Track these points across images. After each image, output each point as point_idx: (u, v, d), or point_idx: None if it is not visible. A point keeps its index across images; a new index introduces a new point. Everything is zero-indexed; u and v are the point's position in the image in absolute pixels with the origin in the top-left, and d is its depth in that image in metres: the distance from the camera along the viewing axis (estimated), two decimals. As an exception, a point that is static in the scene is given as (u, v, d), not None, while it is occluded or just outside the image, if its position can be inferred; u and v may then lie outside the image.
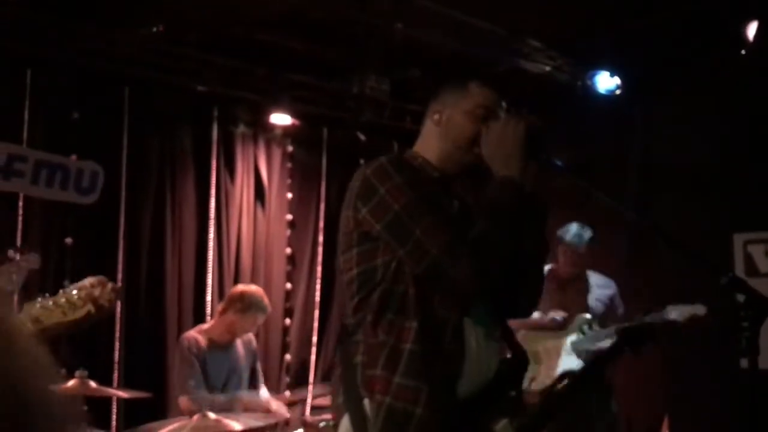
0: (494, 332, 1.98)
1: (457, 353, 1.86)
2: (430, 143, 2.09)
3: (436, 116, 2.09)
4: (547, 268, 4.65)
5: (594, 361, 2.06)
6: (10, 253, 3.44)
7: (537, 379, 4.43)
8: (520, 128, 1.93)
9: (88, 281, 2.09)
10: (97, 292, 2.05)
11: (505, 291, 1.92)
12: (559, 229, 4.41)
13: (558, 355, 4.40)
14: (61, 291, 2.08)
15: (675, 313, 4.00)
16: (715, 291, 1.98)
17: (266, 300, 4.25)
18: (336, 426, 1.95)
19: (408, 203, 1.87)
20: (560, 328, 4.37)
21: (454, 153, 2.06)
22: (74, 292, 2.05)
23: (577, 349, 4.32)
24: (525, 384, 3.70)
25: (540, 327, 4.46)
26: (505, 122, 1.97)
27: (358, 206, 1.92)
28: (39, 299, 2.06)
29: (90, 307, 2.04)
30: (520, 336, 4.74)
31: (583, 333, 4.34)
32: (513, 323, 4.87)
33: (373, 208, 1.89)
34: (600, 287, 4.48)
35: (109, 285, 2.09)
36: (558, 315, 4.36)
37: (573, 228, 4.39)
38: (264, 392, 4.33)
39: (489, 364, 1.92)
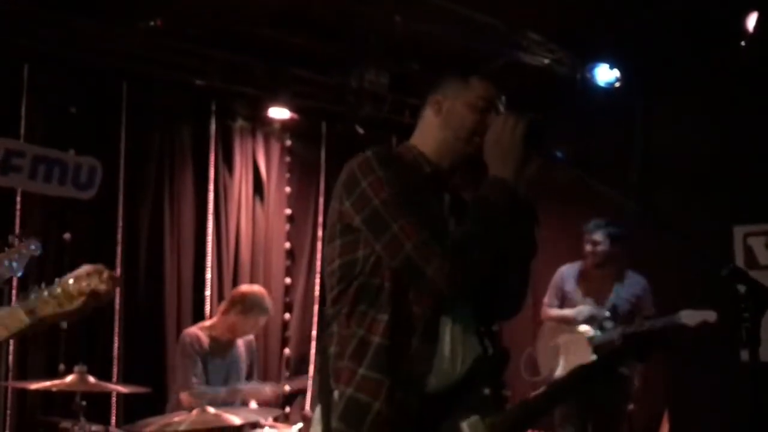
0: (474, 329, 1.94)
1: (427, 350, 1.85)
2: (429, 134, 2.08)
3: (437, 106, 2.07)
4: (575, 267, 4.69)
5: (598, 365, 2.01)
6: (11, 239, 3.40)
7: (557, 372, 4.48)
8: (519, 127, 1.91)
9: (84, 270, 2.07)
10: (94, 281, 2.03)
11: (488, 292, 1.92)
12: (584, 224, 4.56)
13: (576, 348, 4.43)
14: (57, 280, 2.07)
15: (687, 318, 4.08)
16: (717, 282, 1.97)
17: (268, 301, 4.25)
18: None
19: (388, 198, 1.86)
20: (587, 323, 4.45)
21: (453, 144, 2.05)
22: (70, 281, 2.03)
23: (594, 345, 4.36)
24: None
25: (565, 321, 4.53)
26: (504, 120, 1.95)
27: (342, 198, 1.93)
28: (34, 290, 2.05)
29: (86, 296, 2.02)
30: (546, 328, 4.77)
31: (603, 329, 4.39)
32: (543, 315, 4.89)
33: (354, 201, 1.89)
34: (629, 285, 4.50)
35: (106, 273, 2.06)
36: (584, 309, 4.43)
37: (595, 222, 4.51)
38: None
39: (463, 361, 1.90)
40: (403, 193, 1.88)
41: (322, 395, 1.91)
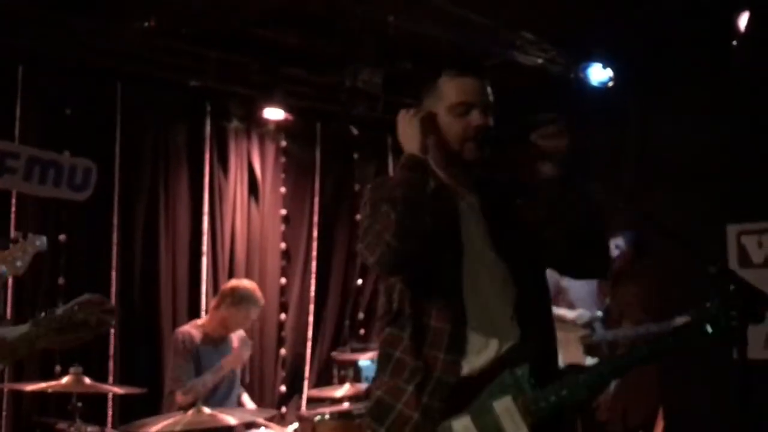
0: (509, 318, 1.98)
1: (452, 360, 1.95)
2: (433, 148, 2.08)
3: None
4: None
5: (617, 367, 1.97)
6: (15, 235, 3.37)
7: None
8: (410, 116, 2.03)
9: (86, 299, 2.08)
10: (95, 313, 2.05)
11: (567, 254, 2.01)
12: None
13: (567, 347, 4.46)
14: (58, 310, 2.08)
15: (682, 321, 4.11)
16: (710, 281, 1.98)
17: (259, 293, 4.25)
18: None
19: (378, 200, 1.96)
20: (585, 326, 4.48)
21: (452, 153, 2.05)
22: (73, 312, 2.03)
23: (587, 345, 4.38)
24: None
25: (561, 321, 4.55)
26: (401, 117, 2.05)
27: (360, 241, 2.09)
28: (37, 319, 2.06)
29: (87, 328, 2.05)
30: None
31: (593, 330, 4.43)
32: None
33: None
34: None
35: (107, 305, 2.11)
36: (584, 314, 4.46)
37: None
38: (244, 396, 4.36)
39: (497, 350, 1.95)
40: (396, 199, 1.92)
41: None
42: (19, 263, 3.12)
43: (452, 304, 1.97)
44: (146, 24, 4.40)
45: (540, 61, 4.91)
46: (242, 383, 4.40)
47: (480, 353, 1.95)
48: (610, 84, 5.12)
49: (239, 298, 4.13)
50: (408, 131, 2.01)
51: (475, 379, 1.93)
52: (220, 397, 4.05)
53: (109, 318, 2.10)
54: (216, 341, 4.15)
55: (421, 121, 2.01)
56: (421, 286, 2.00)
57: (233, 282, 4.38)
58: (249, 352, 4.22)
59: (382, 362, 2.06)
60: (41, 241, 3.10)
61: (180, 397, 3.93)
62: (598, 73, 5.11)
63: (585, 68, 5.09)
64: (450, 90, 2.04)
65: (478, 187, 2.10)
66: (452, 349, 1.94)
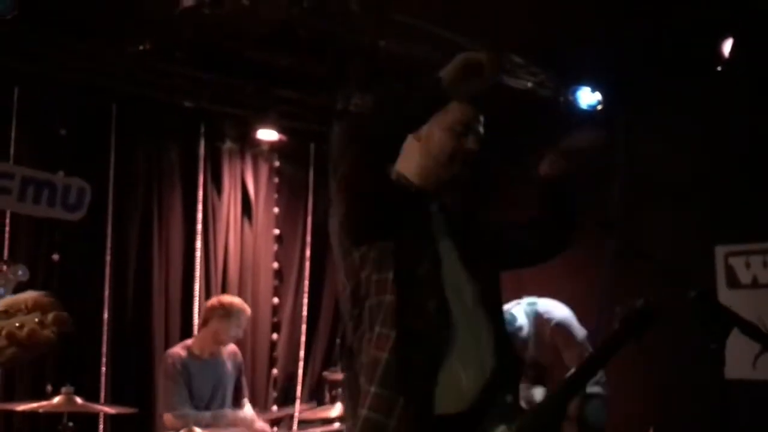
0: (488, 339, 1.97)
1: (432, 366, 1.86)
2: (411, 159, 2.13)
3: (417, 132, 2.12)
4: None
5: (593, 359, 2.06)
6: None
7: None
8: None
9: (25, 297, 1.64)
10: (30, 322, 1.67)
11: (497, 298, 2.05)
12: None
13: None
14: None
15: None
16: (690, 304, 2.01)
17: (245, 304, 4.35)
18: None
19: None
20: None
21: (434, 168, 2.10)
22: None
23: None
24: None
25: None
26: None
27: (331, 215, 2.05)
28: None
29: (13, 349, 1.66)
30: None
31: None
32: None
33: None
34: None
35: (50, 315, 1.57)
36: None
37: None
38: (248, 409, 4.35)
39: (476, 376, 1.91)
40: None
41: (350, 424, 1.93)
42: (1, 290, 3.14)
43: (437, 302, 1.91)
44: (141, 47, 4.46)
45: (529, 84, 4.98)
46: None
47: (469, 381, 1.90)
48: (599, 107, 5.19)
49: (228, 309, 4.19)
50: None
51: (467, 410, 1.89)
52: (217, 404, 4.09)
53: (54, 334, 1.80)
54: (207, 358, 4.18)
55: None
56: (406, 280, 1.91)
57: (216, 297, 4.47)
58: (263, 429, 4.26)
59: (366, 369, 1.88)
60: (24, 271, 3.12)
61: (170, 421, 3.94)
62: (587, 97, 5.18)
63: (574, 92, 5.16)
64: (458, 109, 2.10)
65: (442, 208, 2.14)
66: (431, 354, 1.87)
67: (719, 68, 4.40)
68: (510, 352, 2.03)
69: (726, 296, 4.98)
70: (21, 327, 1.52)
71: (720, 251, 5.12)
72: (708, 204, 4.99)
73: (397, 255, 1.93)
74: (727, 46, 4.33)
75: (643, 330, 1.95)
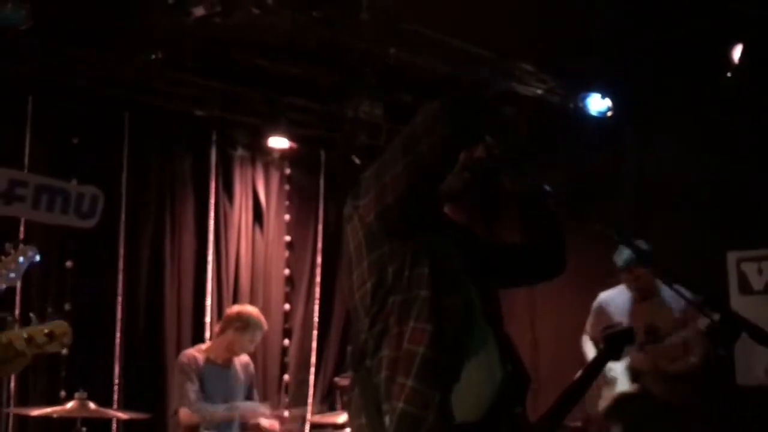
0: (496, 351, 1.97)
1: (459, 365, 1.86)
2: None
3: None
4: (623, 296, 4.54)
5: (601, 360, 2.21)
6: (8, 247, 3.37)
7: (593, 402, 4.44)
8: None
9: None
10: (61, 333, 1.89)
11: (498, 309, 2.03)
12: (617, 258, 4.40)
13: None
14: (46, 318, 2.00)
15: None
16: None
17: (263, 318, 4.33)
18: None
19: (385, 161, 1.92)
20: None
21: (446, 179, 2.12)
22: (55, 326, 1.91)
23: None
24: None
25: None
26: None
27: (356, 205, 1.96)
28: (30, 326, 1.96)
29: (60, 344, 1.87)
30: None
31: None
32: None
33: (364, 191, 1.95)
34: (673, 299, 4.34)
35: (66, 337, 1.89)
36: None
37: (628, 254, 4.33)
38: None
39: (487, 383, 1.91)
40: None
41: (370, 422, 1.88)
42: (12, 275, 3.14)
43: (447, 336, 1.88)
44: (153, 56, 4.50)
45: (539, 91, 4.99)
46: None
47: (484, 389, 1.90)
48: (609, 114, 5.19)
49: (245, 322, 4.20)
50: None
51: (479, 421, 1.88)
52: (223, 425, 4.10)
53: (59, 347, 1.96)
54: (220, 366, 4.20)
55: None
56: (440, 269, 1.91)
57: (237, 307, 4.46)
58: (271, 414, 4.28)
59: (402, 364, 1.83)
60: (34, 252, 3.11)
61: (185, 415, 3.95)
62: (597, 103, 5.19)
63: (584, 98, 5.16)
64: None
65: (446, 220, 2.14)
66: (456, 354, 1.87)
67: (729, 74, 4.40)
68: (516, 364, 2.04)
69: (738, 302, 4.97)
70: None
71: (732, 257, 5.10)
72: (720, 210, 4.98)
73: (435, 251, 1.92)
74: (736, 52, 4.33)
75: (622, 349, 2.16)
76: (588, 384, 2.24)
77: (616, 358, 2.21)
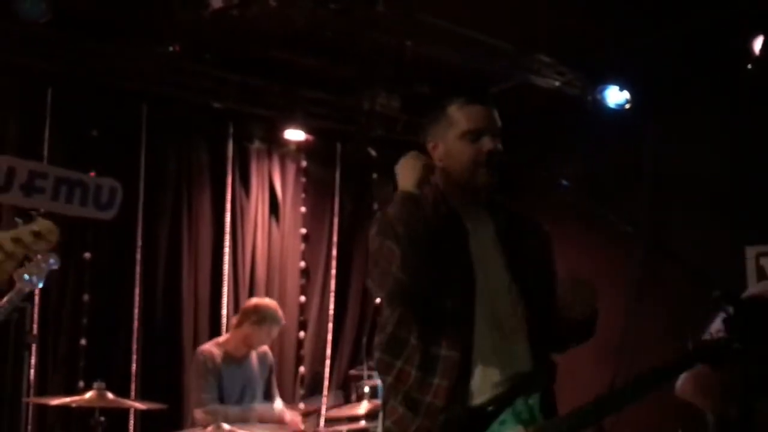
0: (518, 346, 2.03)
1: (463, 396, 1.97)
2: (442, 176, 2.15)
3: (435, 152, 2.15)
4: None
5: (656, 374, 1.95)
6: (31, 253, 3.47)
7: None
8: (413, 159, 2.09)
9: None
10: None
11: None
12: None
13: None
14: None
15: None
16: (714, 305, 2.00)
17: (280, 312, 4.33)
18: None
19: (381, 236, 2.01)
20: None
21: (467, 178, 2.10)
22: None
23: None
24: None
25: None
26: (404, 160, 2.11)
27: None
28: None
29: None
30: None
31: None
32: None
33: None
34: None
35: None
36: None
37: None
38: (278, 403, 4.39)
39: (497, 382, 1.97)
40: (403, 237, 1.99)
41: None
42: (35, 279, 3.24)
43: (464, 333, 1.98)
44: (171, 48, 4.52)
45: (557, 83, 4.96)
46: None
47: (493, 382, 1.97)
48: (627, 106, 5.14)
49: (262, 316, 4.21)
50: (406, 171, 2.07)
51: (487, 408, 1.95)
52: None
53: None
54: (237, 359, 4.22)
55: (423, 166, 2.08)
56: (432, 316, 2.01)
57: (255, 300, 4.47)
58: (293, 420, 4.30)
59: (388, 392, 2.08)
60: (55, 259, 3.21)
61: (200, 416, 3.99)
62: (615, 96, 5.13)
63: (602, 91, 5.11)
64: (460, 118, 2.10)
65: (493, 211, 2.15)
66: (463, 379, 1.96)
67: (750, 66, 4.35)
68: (545, 358, 2.05)
69: (757, 297, 4.92)
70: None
71: (751, 252, 5.05)
72: (739, 205, 4.93)
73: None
74: (757, 45, 4.28)
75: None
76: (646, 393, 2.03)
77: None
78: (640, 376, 1.94)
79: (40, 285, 3.28)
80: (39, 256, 3.30)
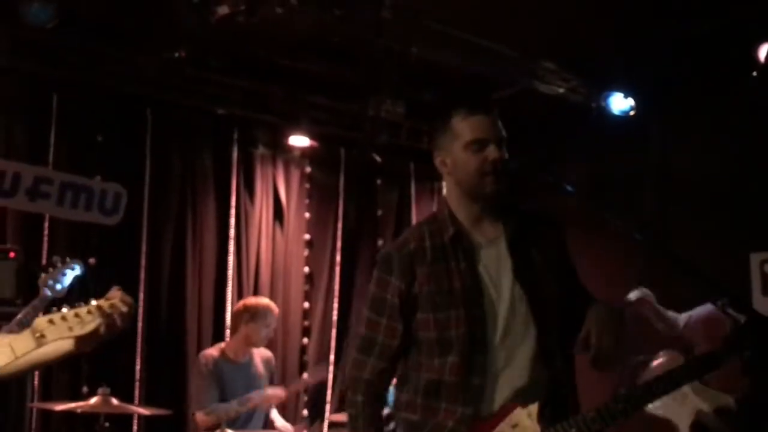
0: (527, 355, 2.06)
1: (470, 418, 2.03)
2: (451, 190, 2.20)
3: (443, 167, 2.19)
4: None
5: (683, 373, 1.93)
6: (54, 260, 3.52)
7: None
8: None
9: (106, 298, 2.03)
10: (108, 306, 1.97)
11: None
12: None
13: None
14: (77, 305, 2.03)
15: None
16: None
17: (271, 303, 4.37)
18: None
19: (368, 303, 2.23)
20: None
21: (474, 188, 2.13)
22: (86, 306, 1.97)
23: None
24: None
25: None
26: None
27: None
28: (51, 312, 2.01)
29: (99, 321, 1.93)
30: None
31: None
32: None
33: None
34: None
35: (123, 304, 2.00)
36: None
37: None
38: (274, 414, 4.40)
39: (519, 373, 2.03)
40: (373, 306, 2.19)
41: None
42: (59, 286, 3.27)
43: (468, 357, 2.03)
44: (176, 54, 4.53)
45: (561, 90, 4.96)
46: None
47: (498, 397, 2.01)
48: (632, 113, 5.14)
49: (253, 313, 4.24)
50: None
51: (489, 419, 1.99)
52: (243, 418, 4.12)
53: (125, 313, 1.98)
54: (239, 361, 4.23)
55: None
56: (435, 345, 2.10)
57: (241, 302, 4.53)
58: (282, 395, 4.29)
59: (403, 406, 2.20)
60: (79, 265, 3.23)
61: (201, 418, 3.99)
62: (620, 102, 5.14)
63: (606, 97, 5.12)
64: (464, 129, 2.12)
65: (505, 220, 2.16)
66: (470, 402, 2.01)
67: (755, 73, 4.35)
68: (552, 366, 2.05)
69: (761, 303, 4.91)
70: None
71: (755, 258, 5.04)
72: (743, 211, 4.92)
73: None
74: (763, 51, 4.28)
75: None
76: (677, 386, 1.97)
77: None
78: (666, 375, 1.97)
79: (64, 291, 3.29)
80: (60, 264, 3.33)
